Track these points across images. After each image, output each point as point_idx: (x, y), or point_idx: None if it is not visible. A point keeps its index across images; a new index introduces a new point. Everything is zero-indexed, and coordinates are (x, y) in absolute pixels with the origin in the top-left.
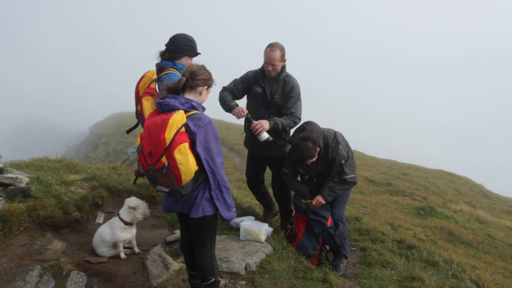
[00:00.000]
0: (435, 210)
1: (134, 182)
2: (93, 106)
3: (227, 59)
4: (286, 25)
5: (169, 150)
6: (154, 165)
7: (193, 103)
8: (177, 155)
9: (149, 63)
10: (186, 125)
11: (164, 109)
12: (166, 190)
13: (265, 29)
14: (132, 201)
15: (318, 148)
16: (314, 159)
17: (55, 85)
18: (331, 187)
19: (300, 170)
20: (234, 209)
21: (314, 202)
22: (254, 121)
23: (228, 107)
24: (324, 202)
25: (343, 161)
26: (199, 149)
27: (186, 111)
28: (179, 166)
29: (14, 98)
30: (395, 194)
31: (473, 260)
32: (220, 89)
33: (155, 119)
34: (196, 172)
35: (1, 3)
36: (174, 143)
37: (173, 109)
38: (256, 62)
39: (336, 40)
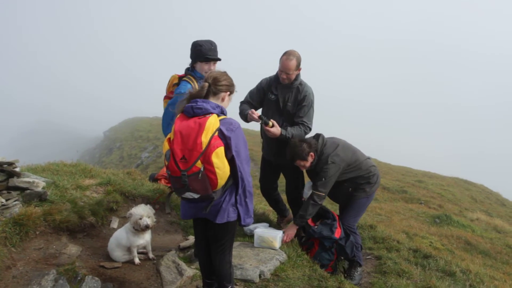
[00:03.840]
0: (451, 219)
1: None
2: (100, 115)
3: (231, 63)
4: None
5: (205, 154)
6: (188, 170)
7: (222, 108)
8: (214, 159)
9: (153, 77)
10: (219, 130)
11: (196, 113)
12: (197, 196)
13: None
14: (136, 208)
15: (312, 154)
16: (307, 164)
17: (59, 94)
18: (301, 215)
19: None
20: (252, 215)
21: (285, 238)
22: (267, 127)
23: (245, 117)
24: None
25: (323, 179)
26: (233, 153)
27: (217, 115)
28: (217, 170)
29: (24, 107)
30: (410, 202)
31: (491, 270)
32: (238, 104)
33: (188, 122)
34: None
35: (5, 15)
36: (211, 147)
37: (206, 112)
38: (257, 65)
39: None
